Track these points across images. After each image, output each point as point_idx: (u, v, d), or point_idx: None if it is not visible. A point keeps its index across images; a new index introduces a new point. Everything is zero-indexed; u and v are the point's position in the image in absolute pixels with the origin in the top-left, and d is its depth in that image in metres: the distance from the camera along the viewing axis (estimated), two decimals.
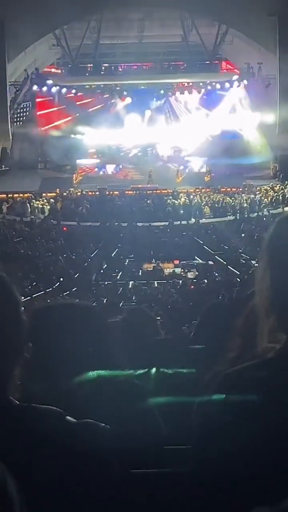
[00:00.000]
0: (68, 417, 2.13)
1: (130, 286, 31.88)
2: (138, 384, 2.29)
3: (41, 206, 43.59)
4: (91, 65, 50.03)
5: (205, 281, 31.61)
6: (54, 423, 2.08)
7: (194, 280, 32.14)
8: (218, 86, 50.52)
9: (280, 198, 43.49)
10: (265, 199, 43.59)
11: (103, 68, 50.78)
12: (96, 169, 51.52)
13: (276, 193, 44.28)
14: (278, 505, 1.45)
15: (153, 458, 3.01)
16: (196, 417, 2.22)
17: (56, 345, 3.02)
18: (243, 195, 44.73)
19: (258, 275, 2.19)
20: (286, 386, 1.96)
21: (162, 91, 51.88)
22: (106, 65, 50.96)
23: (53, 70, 52.94)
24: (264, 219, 39.80)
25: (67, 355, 3.00)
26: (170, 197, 44.53)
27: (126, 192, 45.91)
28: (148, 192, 45.83)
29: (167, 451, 3.10)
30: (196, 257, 36.33)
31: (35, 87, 49.73)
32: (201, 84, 50.82)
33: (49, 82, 50.17)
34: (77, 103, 51.75)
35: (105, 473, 2.11)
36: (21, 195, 44.73)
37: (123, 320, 6.01)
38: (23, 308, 2.16)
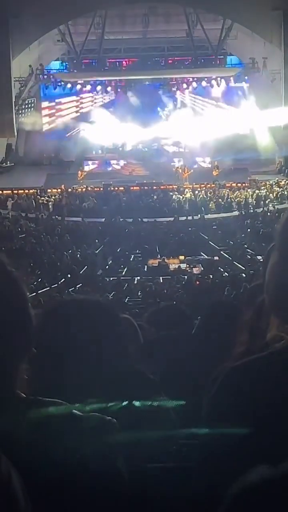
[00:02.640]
0: (75, 411, 2.13)
1: (135, 282, 31.89)
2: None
3: (46, 202, 43.63)
4: (96, 60, 50.01)
5: (211, 276, 31.60)
6: (61, 417, 2.08)
7: (199, 276, 32.11)
8: (223, 81, 50.51)
9: (286, 193, 43.45)
10: (270, 194, 43.56)
11: (107, 63, 50.79)
12: (101, 165, 51.51)
13: (281, 188, 44.26)
14: (279, 465, 1.45)
15: (159, 451, 3.01)
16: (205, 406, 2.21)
17: (68, 343, 3.02)
18: (249, 190, 44.70)
19: (269, 267, 2.18)
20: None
21: (167, 87, 51.87)
22: (111, 60, 50.97)
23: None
24: (269, 214, 39.76)
25: (80, 352, 3.00)
26: (176, 193, 44.53)
27: (131, 187, 45.90)
28: (153, 187, 45.81)
29: (175, 445, 3.10)
30: (201, 253, 36.33)
31: (40, 83, 49.85)
32: (206, 79, 50.81)
33: (53, 77, 50.25)
34: (83, 98, 51.81)
35: (111, 467, 2.11)
36: (26, 191, 44.76)
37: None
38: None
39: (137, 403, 2.97)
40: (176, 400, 3.38)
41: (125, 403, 2.82)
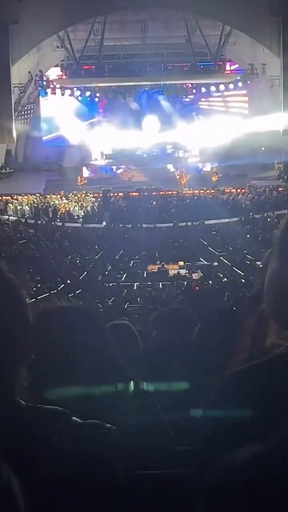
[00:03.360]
0: (74, 418, 2.13)
1: (134, 288, 31.89)
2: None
3: (45, 208, 43.66)
4: (95, 66, 50.05)
5: (210, 282, 31.60)
6: (61, 424, 2.09)
7: (199, 281, 32.11)
8: (222, 87, 50.59)
9: (285, 199, 43.47)
10: (270, 200, 43.59)
11: (106, 69, 50.83)
12: (101, 171, 51.54)
13: (280, 194, 44.29)
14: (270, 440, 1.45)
15: (159, 458, 3.01)
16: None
17: (55, 349, 3.01)
18: (248, 196, 44.74)
19: (267, 274, 2.18)
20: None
21: (166, 93, 51.92)
22: (110, 66, 51.02)
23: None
24: (269, 220, 39.78)
25: (67, 358, 3.00)
26: (175, 198, 44.58)
27: (131, 193, 45.92)
28: (152, 193, 45.84)
29: (173, 452, 3.10)
30: (201, 258, 36.33)
31: (39, 89, 49.91)
32: (205, 85, 50.88)
33: (53, 84, 50.28)
34: (81, 104, 51.88)
35: (111, 474, 2.11)
36: (25, 197, 44.78)
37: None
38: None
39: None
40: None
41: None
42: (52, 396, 2.47)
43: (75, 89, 50.69)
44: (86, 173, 50.68)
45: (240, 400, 2.03)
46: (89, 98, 51.62)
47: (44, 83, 50.43)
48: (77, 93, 51.08)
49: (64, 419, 2.12)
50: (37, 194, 45.63)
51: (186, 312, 6.02)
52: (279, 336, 2.10)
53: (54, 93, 50.59)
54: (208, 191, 46.18)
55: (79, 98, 51.48)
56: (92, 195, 45.85)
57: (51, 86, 50.40)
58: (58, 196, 45.53)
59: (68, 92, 50.64)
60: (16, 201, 44.14)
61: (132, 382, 3.32)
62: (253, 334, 2.55)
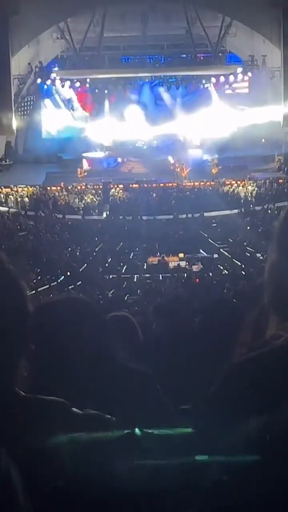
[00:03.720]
0: (74, 409, 2.13)
1: (135, 280, 31.91)
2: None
3: (45, 200, 43.64)
4: (95, 58, 49.97)
5: (210, 274, 31.62)
6: (60, 414, 2.08)
7: (199, 273, 32.14)
8: (222, 78, 50.53)
9: (285, 191, 43.44)
10: (270, 192, 43.57)
11: (106, 61, 50.76)
12: (101, 163, 51.47)
13: (280, 186, 44.26)
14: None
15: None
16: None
17: (55, 343, 3.01)
18: (248, 188, 44.71)
19: (267, 265, 2.18)
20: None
21: (166, 84, 51.85)
22: (110, 58, 50.94)
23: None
24: (269, 212, 39.78)
25: (66, 352, 3.00)
26: (175, 190, 44.54)
27: (131, 185, 45.88)
28: (153, 185, 45.80)
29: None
30: (201, 250, 36.34)
31: (39, 80, 49.86)
32: (205, 76, 50.82)
33: (53, 75, 50.21)
34: (81, 96, 51.82)
35: (110, 465, 2.11)
36: (25, 189, 44.73)
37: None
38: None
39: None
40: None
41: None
42: (51, 387, 2.46)
43: (75, 80, 50.60)
44: (86, 165, 50.58)
45: (240, 392, 2.03)
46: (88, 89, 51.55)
47: (44, 74, 50.33)
48: (77, 84, 50.99)
49: (63, 409, 2.12)
50: (37, 186, 45.59)
51: (186, 300, 6.02)
52: (279, 327, 2.10)
53: (54, 85, 50.51)
54: (208, 183, 46.12)
55: (79, 89, 51.42)
56: (92, 187, 45.80)
57: (51, 77, 50.31)
58: (58, 188, 45.48)
59: (68, 83, 50.56)
60: (16, 193, 44.10)
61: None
62: (253, 325, 2.54)
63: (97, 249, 36.55)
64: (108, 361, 3.17)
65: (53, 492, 1.94)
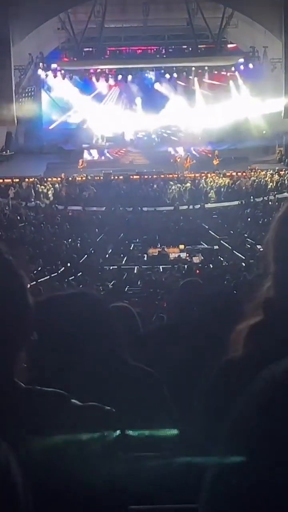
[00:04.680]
0: (73, 400, 2.13)
1: (135, 271, 31.91)
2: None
3: (46, 191, 43.60)
4: (96, 49, 49.90)
5: (211, 265, 31.62)
6: (59, 406, 2.09)
7: (199, 265, 32.13)
8: (223, 69, 50.49)
9: (286, 182, 43.42)
10: (271, 184, 43.54)
11: (108, 52, 50.68)
12: (101, 154, 51.42)
13: (281, 178, 44.23)
14: None
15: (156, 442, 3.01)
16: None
17: (59, 335, 3.02)
18: (249, 179, 44.67)
19: (266, 260, 2.18)
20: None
21: (167, 75, 51.76)
22: (111, 49, 50.86)
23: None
24: (270, 203, 39.76)
25: (71, 345, 3.00)
26: (176, 182, 44.50)
27: (131, 176, 45.85)
28: (153, 176, 45.76)
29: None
30: (201, 242, 36.34)
31: (40, 71, 49.81)
32: (206, 67, 50.75)
33: (54, 66, 50.14)
34: (82, 87, 51.75)
35: (109, 456, 2.12)
36: (26, 179, 44.71)
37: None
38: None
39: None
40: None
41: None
42: (51, 379, 2.47)
43: (75, 71, 50.56)
44: (87, 156, 50.53)
45: (234, 388, 2.03)
46: (89, 80, 51.49)
47: (45, 65, 50.28)
48: (78, 75, 50.93)
49: (63, 401, 2.12)
50: (38, 177, 45.55)
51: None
52: None
53: (55, 75, 50.46)
54: (209, 175, 46.07)
55: (80, 80, 51.37)
56: (92, 178, 45.77)
57: (52, 68, 50.26)
58: (59, 179, 45.44)
59: (69, 74, 50.52)
60: (17, 184, 44.06)
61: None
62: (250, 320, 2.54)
63: (97, 240, 36.53)
64: (111, 356, 3.18)
65: (53, 484, 1.95)
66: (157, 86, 52.31)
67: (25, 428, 1.98)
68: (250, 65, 49.60)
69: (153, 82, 52.34)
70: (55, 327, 3.02)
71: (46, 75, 50.56)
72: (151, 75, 52.36)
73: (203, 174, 45.92)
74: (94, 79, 51.43)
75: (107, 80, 51.81)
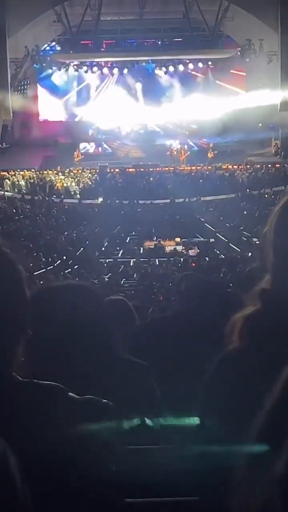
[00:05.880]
0: (71, 393, 2.14)
1: (131, 264, 31.91)
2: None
3: (42, 183, 43.55)
4: (92, 41, 49.77)
5: (206, 258, 31.62)
6: (57, 399, 2.09)
7: (195, 258, 32.14)
8: (219, 62, 50.40)
9: (282, 175, 43.44)
10: (267, 177, 43.54)
11: (103, 45, 50.55)
12: (97, 147, 51.37)
13: (277, 171, 44.25)
14: None
15: (154, 434, 3.01)
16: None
17: (53, 327, 3.02)
18: (245, 172, 44.68)
19: (263, 253, 2.19)
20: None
21: (163, 68, 51.64)
22: (107, 41, 50.73)
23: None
24: (266, 196, 39.75)
25: (65, 336, 3.01)
26: (172, 175, 44.50)
27: (127, 169, 45.81)
28: (149, 169, 45.73)
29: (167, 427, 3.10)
30: (197, 235, 36.33)
31: (35, 64, 49.72)
32: (202, 60, 50.65)
33: (49, 59, 50.06)
34: (78, 79, 51.66)
35: (106, 448, 2.12)
36: (22, 172, 44.65)
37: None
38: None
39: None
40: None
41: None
42: (47, 371, 2.47)
43: (71, 63, 50.45)
44: (83, 149, 50.46)
45: (227, 387, 2.04)
46: (85, 73, 51.35)
47: (40, 58, 50.15)
48: (74, 68, 50.81)
49: (60, 394, 2.12)
50: (34, 170, 45.50)
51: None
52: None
53: (51, 68, 50.38)
54: (205, 167, 46.07)
55: (76, 73, 51.26)
56: (89, 171, 45.73)
57: (47, 61, 50.16)
58: (55, 171, 45.40)
59: (64, 67, 50.41)
60: (13, 176, 44.01)
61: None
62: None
63: (93, 233, 36.51)
64: (105, 349, 3.19)
65: (51, 477, 1.95)
66: (153, 78, 52.17)
67: (22, 421, 1.98)
68: (247, 60, 49.48)
69: (149, 74, 52.17)
70: (49, 317, 3.02)
71: (42, 68, 50.41)
72: (148, 68, 52.19)
73: (199, 167, 45.94)
74: (90, 71, 51.21)
75: (103, 73, 51.67)
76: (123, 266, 31.11)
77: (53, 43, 51.79)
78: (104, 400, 2.19)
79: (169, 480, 2.65)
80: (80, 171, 45.78)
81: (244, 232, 34.84)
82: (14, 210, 38.71)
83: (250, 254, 28.72)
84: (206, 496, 2.17)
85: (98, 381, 2.79)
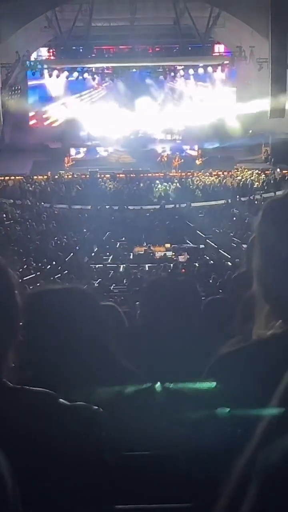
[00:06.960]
0: (61, 400, 2.13)
1: (121, 269, 31.88)
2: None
3: (32, 189, 43.50)
4: (83, 47, 49.81)
5: (196, 264, 31.64)
6: (47, 406, 2.09)
7: (185, 264, 32.14)
8: (210, 69, 50.48)
9: (272, 182, 43.55)
10: (257, 183, 43.66)
11: (94, 50, 50.60)
12: (88, 152, 51.33)
13: (267, 177, 44.37)
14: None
15: (147, 440, 3.02)
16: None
17: (50, 330, 3.01)
18: (235, 178, 44.77)
19: (253, 262, 2.19)
20: (276, 365, 1.97)
21: (154, 74, 51.69)
22: (98, 47, 50.78)
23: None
24: (256, 202, 39.82)
25: (61, 340, 3.00)
26: (162, 181, 44.52)
27: (118, 175, 45.84)
28: (140, 175, 45.77)
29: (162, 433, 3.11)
30: (187, 241, 36.35)
31: (26, 69, 49.69)
32: (193, 67, 50.74)
33: (40, 64, 50.05)
34: (69, 85, 51.63)
35: (98, 454, 2.12)
36: (12, 177, 44.60)
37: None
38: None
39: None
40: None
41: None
42: (39, 378, 2.47)
43: (62, 69, 50.46)
44: (73, 154, 50.45)
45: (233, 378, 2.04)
46: (76, 79, 51.34)
47: (31, 63, 50.13)
48: (65, 74, 50.81)
49: (50, 401, 2.12)
50: (24, 175, 45.46)
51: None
52: (266, 326, 2.11)
53: (41, 74, 50.36)
54: (195, 174, 46.16)
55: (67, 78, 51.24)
56: (79, 177, 45.73)
57: (38, 66, 50.15)
58: (45, 177, 45.37)
59: (55, 73, 50.40)
60: (2, 181, 43.95)
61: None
62: (242, 318, 2.55)
63: (83, 238, 36.48)
64: (99, 353, 3.18)
65: (43, 483, 1.95)
66: (143, 84, 52.18)
67: (13, 428, 1.98)
68: (235, 66, 49.61)
69: (140, 81, 52.18)
70: (44, 321, 3.01)
71: (33, 73, 50.36)
72: (139, 74, 52.21)
73: (189, 173, 46.03)
74: (81, 77, 51.21)
75: (94, 79, 51.70)
76: (112, 271, 31.07)
77: (45, 49, 51.82)
78: (95, 407, 2.19)
79: (161, 486, 2.66)
80: (70, 176, 45.78)
81: (234, 238, 34.88)
82: (4, 215, 38.65)
83: (238, 260, 28.75)
84: (199, 502, 2.17)
85: (94, 384, 2.79)
